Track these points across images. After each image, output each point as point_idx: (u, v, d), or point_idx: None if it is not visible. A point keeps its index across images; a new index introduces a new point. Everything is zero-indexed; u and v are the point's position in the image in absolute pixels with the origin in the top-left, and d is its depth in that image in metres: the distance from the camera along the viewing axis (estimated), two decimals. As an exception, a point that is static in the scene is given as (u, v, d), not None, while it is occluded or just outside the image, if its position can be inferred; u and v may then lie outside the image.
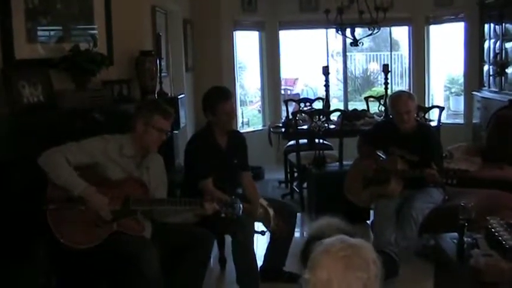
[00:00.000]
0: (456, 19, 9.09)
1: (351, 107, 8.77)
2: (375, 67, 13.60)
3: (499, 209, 4.70)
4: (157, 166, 3.92)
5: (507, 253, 3.42)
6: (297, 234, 4.98)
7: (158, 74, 5.30)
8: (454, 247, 3.69)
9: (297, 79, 13.27)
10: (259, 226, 4.44)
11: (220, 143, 4.42)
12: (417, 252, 4.85)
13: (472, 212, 3.67)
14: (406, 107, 4.84)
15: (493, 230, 3.77)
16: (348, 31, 7.41)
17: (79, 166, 3.51)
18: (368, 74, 14.02)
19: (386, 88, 7.59)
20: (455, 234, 3.79)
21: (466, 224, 3.65)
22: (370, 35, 7.44)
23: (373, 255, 2.01)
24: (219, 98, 4.30)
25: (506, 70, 7.49)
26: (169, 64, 6.67)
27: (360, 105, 8.59)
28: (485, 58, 8.25)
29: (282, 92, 10.46)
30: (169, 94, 5.83)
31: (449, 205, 4.76)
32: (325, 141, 7.22)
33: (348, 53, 10.52)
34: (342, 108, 8.73)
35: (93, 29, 4.77)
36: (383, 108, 7.58)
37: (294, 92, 12.31)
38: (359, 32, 7.48)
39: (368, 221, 5.71)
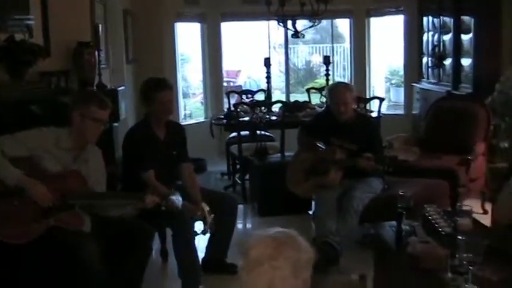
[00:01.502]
0: (396, 12, 9.24)
1: (293, 99, 8.80)
2: (317, 59, 13.68)
3: (437, 197, 4.82)
4: (96, 159, 3.84)
5: (443, 240, 3.50)
6: (239, 225, 5.00)
7: (97, 66, 5.21)
8: (392, 235, 3.76)
9: (239, 71, 13.26)
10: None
11: (159, 134, 4.38)
12: (358, 241, 4.91)
13: (410, 201, 3.74)
14: (343, 98, 4.89)
15: (430, 217, 3.85)
16: (290, 23, 7.44)
17: (15, 158, 3.42)
18: (311, 66, 14.11)
19: (327, 80, 7.65)
20: (394, 222, 3.86)
21: (404, 213, 3.72)
22: (311, 26, 7.48)
23: (306, 244, 2.03)
24: (156, 87, 4.27)
25: (444, 62, 7.65)
26: (108, 56, 6.57)
27: (302, 97, 8.63)
28: (424, 50, 8.42)
29: (225, 84, 10.45)
30: (108, 86, 5.74)
31: (388, 194, 4.81)
32: (267, 133, 7.24)
33: (291, 45, 10.57)
34: (284, 99, 8.78)
35: (28, 20, 4.64)
36: (324, 100, 7.63)
37: (236, 84, 12.29)
38: (304, 23, 7.52)
39: (310, 212, 5.75)
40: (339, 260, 4.58)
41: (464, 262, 2.99)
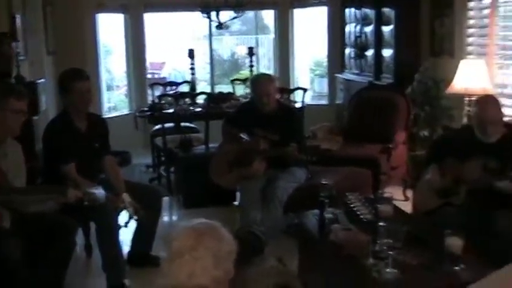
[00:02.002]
0: (319, 3, 9.33)
1: (219, 90, 8.78)
2: (243, 50, 13.69)
3: (359, 185, 4.90)
4: (15, 153, 3.74)
5: (365, 226, 3.57)
6: (164, 218, 4.96)
7: (15, 58, 5.06)
8: (316, 223, 3.81)
9: (163, 63, 13.13)
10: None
11: (80, 126, 4.29)
12: (283, 230, 4.95)
13: (332, 189, 3.80)
14: (266, 89, 4.92)
15: (351, 205, 3.93)
16: (214, 14, 7.42)
17: None
18: (236, 57, 14.11)
19: (251, 71, 7.68)
20: (318, 211, 3.91)
21: (327, 201, 3.77)
22: (236, 18, 7.48)
23: (229, 235, 2.04)
24: (73, 78, 4.18)
25: (366, 53, 7.77)
26: (27, 47, 6.38)
27: (228, 88, 8.64)
28: (347, 41, 8.52)
29: (150, 76, 10.31)
30: (27, 78, 5.58)
31: (311, 183, 4.86)
32: (191, 125, 7.20)
33: (217, 36, 10.52)
34: (209, 91, 8.76)
35: None
36: (248, 91, 7.66)
37: (161, 76, 12.16)
38: (229, 14, 7.51)
39: (235, 203, 5.76)
40: (263, 249, 4.60)
41: (385, 247, 3.07)
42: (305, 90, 7.32)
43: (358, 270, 3.13)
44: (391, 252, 3.02)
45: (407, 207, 4.78)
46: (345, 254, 3.29)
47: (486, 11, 5.73)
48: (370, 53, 7.66)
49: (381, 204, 3.70)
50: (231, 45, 13.91)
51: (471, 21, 6.00)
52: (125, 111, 9.23)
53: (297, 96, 8.00)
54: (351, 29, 8.26)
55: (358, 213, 3.81)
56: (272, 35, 10.02)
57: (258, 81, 5.02)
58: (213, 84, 9.81)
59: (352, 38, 8.17)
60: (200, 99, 7.41)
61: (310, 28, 9.85)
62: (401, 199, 5.82)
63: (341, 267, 3.33)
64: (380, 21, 7.32)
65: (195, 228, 1.99)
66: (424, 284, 2.97)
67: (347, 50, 8.54)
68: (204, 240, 1.94)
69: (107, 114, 8.34)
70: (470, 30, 5.98)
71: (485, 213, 3.76)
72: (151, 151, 7.46)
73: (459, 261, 3.05)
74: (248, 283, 2.14)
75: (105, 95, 9.27)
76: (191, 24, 9.71)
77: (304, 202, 4.44)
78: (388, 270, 3.00)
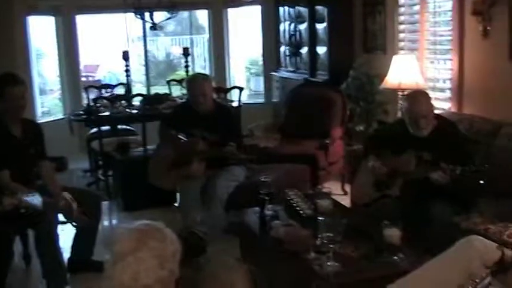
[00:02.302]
0: (253, 2, 9.35)
1: (155, 92, 8.69)
2: (178, 51, 13.62)
3: (298, 181, 4.95)
4: None
5: (305, 222, 3.61)
6: (104, 222, 4.90)
7: None
8: (257, 220, 3.83)
9: (98, 65, 12.94)
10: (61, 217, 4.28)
11: (14, 132, 4.18)
12: (224, 229, 4.96)
13: (272, 186, 3.83)
14: (201, 89, 4.91)
15: (291, 201, 3.97)
16: (147, 15, 7.36)
17: None
18: (171, 58, 14.02)
19: (187, 71, 7.65)
20: (258, 208, 3.93)
21: (267, 198, 3.81)
22: (170, 18, 7.44)
23: (172, 235, 2.03)
24: (6, 83, 4.07)
25: (301, 51, 7.86)
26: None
27: (164, 89, 8.56)
28: (282, 40, 8.59)
29: (84, 78, 10.14)
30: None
31: (251, 181, 4.89)
32: (128, 127, 7.12)
33: (151, 37, 10.43)
34: (145, 93, 8.67)
35: None
36: (185, 91, 7.63)
37: (96, 79, 11.98)
38: (163, 15, 7.46)
39: (175, 204, 5.74)
40: (206, 249, 4.59)
41: (326, 241, 3.11)
42: (241, 89, 7.33)
43: (300, 265, 3.16)
44: (332, 246, 3.06)
45: (346, 201, 4.88)
46: (287, 250, 3.31)
47: (416, 7, 5.86)
48: (304, 50, 7.74)
49: (320, 199, 3.76)
50: (166, 46, 13.82)
51: (402, 18, 6.12)
52: (60, 116, 9.04)
53: (234, 95, 8.02)
54: (285, 27, 8.33)
55: (298, 208, 3.86)
56: (207, 35, 10.00)
57: (193, 81, 5.01)
58: (148, 85, 9.71)
59: (287, 36, 8.24)
60: (136, 101, 7.33)
61: (245, 27, 9.88)
62: (340, 193, 5.92)
63: (283, 262, 3.35)
64: (314, 19, 7.41)
65: (138, 230, 1.98)
66: (364, 275, 3.02)
67: (282, 48, 8.61)
68: (147, 241, 1.93)
69: (40, 119, 8.13)
70: (402, 26, 6.11)
71: (420, 204, 3.86)
72: (88, 155, 7.33)
73: (398, 251, 3.13)
74: (209, 280, 2.13)
75: (39, 100, 9.05)
76: (125, 26, 9.59)
77: (244, 200, 4.47)
78: (329, 263, 3.05)
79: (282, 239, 3.39)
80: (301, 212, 3.81)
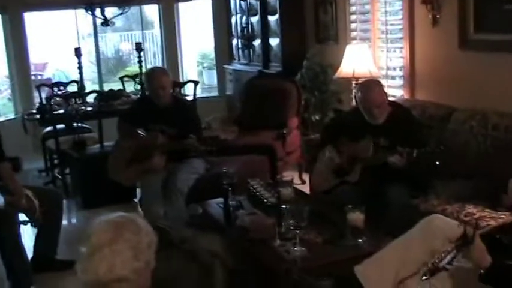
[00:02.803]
0: (203, -4, 9.38)
1: (106, 88, 8.63)
2: (127, 47, 13.51)
3: (257, 172, 5.00)
4: None
5: (269, 210, 3.67)
6: (64, 221, 4.86)
7: None
8: (221, 211, 3.88)
9: (46, 63, 12.74)
10: (23, 217, 4.24)
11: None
12: (187, 222, 4.99)
13: (234, 177, 3.87)
14: (160, 83, 4.91)
15: (254, 190, 4.02)
16: (98, 11, 7.31)
17: None
18: (120, 54, 13.91)
19: (140, 66, 7.61)
20: (221, 199, 3.98)
21: (230, 189, 3.85)
22: (121, 14, 7.39)
23: (147, 227, 2.06)
24: None
25: (254, 43, 7.91)
26: None
27: (115, 86, 8.49)
28: (234, 32, 8.62)
29: (33, 77, 9.98)
30: None
31: (212, 173, 4.93)
32: (83, 125, 7.07)
33: (100, 34, 10.31)
34: (97, 90, 8.59)
35: None
36: (139, 87, 7.61)
37: (45, 77, 11.78)
38: (113, 10, 7.40)
39: (135, 199, 5.74)
40: (173, 242, 4.59)
41: (291, 228, 3.18)
42: (196, 83, 7.35)
43: (267, 252, 3.22)
44: (297, 231, 3.14)
45: (304, 190, 4.95)
46: (253, 238, 3.37)
47: (367, -2, 5.97)
48: (257, 42, 7.80)
49: (282, 188, 3.83)
50: (114, 43, 13.69)
51: (353, 8, 6.22)
52: (11, 116, 8.90)
53: (188, 89, 8.02)
54: (237, 20, 8.36)
55: (261, 197, 3.92)
56: (155, 30, 9.95)
57: (152, 75, 5.00)
58: (101, 82, 9.64)
59: (239, 28, 8.27)
60: (90, 98, 7.27)
61: (196, 21, 9.88)
62: (298, 183, 6.00)
63: (250, 251, 3.41)
64: (265, 11, 7.47)
65: (113, 222, 1.99)
66: (331, 258, 3.10)
67: (234, 41, 8.65)
68: (122, 233, 1.95)
69: (-9, 120, 8.01)
70: (353, 17, 6.21)
71: (379, 188, 3.97)
72: (42, 155, 7.25)
73: (361, 234, 3.22)
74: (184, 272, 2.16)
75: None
76: (75, 23, 9.46)
77: (206, 192, 4.50)
78: (296, 248, 3.12)
79: (247, 228, 3.45)
80: (264, 200, 3.87)
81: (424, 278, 2.24)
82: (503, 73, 4.41)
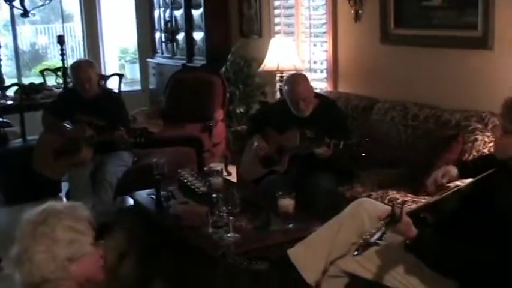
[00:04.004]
0: (125, -11, 9.29)
1: (25, 82, 8.41)
2: (44, 40, 13.17)
3: (184, 164, 5.04)
4: None
5: (201, 199, 3.74)
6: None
7: None
8: (152, 202, 3.91)
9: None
10: None
11: None
12: (115, 214, 4.99)
13: (165, 167, 3.91)
14: (87, 75, 4.87)
15: (185, 180, 4.08)
16: (17, 2, 7.14)
17: None
18: (37, 47, 13.54)
19: (63, 59, 7.50)
20: (151, 190, 4.01)
21: (161, 178, 3.89)
22: (42, 5, 7.25)
23: (86, 214, 2.08)
24: None
25: (177, 37, 7.92)
26: None
27: (34, 80, 8.29)
28: (157, 26, 8.60)
29: None
30: None
31: (140, 165, 4.96)
32: (4, 119, 6.90)
33: (17, 26, 10.04)
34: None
35: None
36: (61, 80, 7.49)
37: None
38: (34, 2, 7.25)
39: (61, 194, 5.67)
40: (103, 234, 4.58)
41: (224, 214, 3.26)
42: (121, 76, 7.32)
43: (201, 240, 3.28)
44: (230, 218, 3.22)
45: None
46: (186, 226, 3.43)
47: (291, -8, 6.09)
48: (181, 36, 7.81)
49: (212, 177, 3.90)
50: (30, 36, 13.31)
51: (277, 2, 6.33)
52: None
53: (112, 83, 7.95)
54: (160, 13, 8.34)
55: (192, 187, 3.97)
56: (75, 23, 9.79)
57: (78, 68, 4.95)
58: (19, 76, 9.41)
59: (163, 22, 8.26)
60: (9, 92, 7.10)
61: (118, 14, 9.78)
62: (225, 174, 6.07)
63: (184, 239, 3.46)
64: (189, 4, 7.49)
65: (31, 221, 1.99)
66: (263, 243, 3.19)
67: (157, 35, 8.62)
68: (36, 236, 1.95)
69: None
70: (277, 11, 6.33)
71: (307, 177, 4.09)
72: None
73: (291, 219, 3.33)
74: None
75: None
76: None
77: (135, 183, 4.52)
78: (229, 235, 3.20)
79: (180, 216, 3.50)
80: (196, 190, 3.93)
81: (356, 253, 2.35)
82: (421, 66, 4.63)
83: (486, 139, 3.74)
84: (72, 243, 1.98)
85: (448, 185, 2.60)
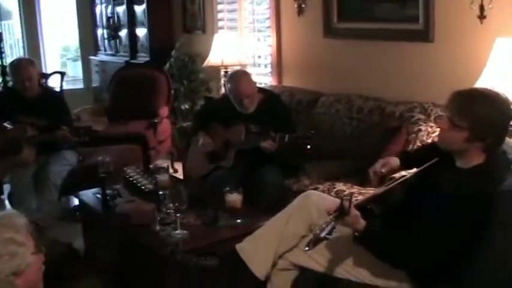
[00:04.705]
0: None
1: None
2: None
3: (130, 161, 4.98)
4: None
5: (147, 196, 3.69)
6: None
7: None
8: (98, 201, 3.85)
9: None
10: None
11: None
12: (61, 215, 4.90)
13: (110, 166, 3.85)
14: (27, 74, 4.77)
15: (131, 178, 4.02)
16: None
17: None
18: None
19: (1, 58, 7.32)
20: (97, 189, 3.95)
21: (107, 177, 3.83)
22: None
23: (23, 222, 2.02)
24: None
25: (120, 33, 7.82)
26: None
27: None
28: (99, 23, 8.47)
29: None
30: None
31: (85, 164, 4.88)
32: None
33: None
34: None
35: None
36: (1, 79, 7.31)
37: None
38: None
39: (2, 196, 5.52)
40: (46, 235, 4.49)
41: (171, 211, 3.24)
42: (63, 74, 7.17)
43: (148, 238, 3.25)
44: (178, 215, 3.19)
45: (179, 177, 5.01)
46: (133, 225, 3.38)
47: (234, -12, 6.08)
48: (124, 33, 7.72)
49: (158, 174, 3.86)
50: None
51: (220, -2, 6.32)
52: None
53: (53, 81, 7.78)
54: (101, 9, 8.21)
55: (139, 185, 3.92)
56: (13, 21, 9.55)
57: (18, 66, 4.83)
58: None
59: (105, 18, 8.13)
60: None
61: (59, 11, 9.58)
62: (171, 171, 6.02)
63: (131, 238, 3.42)
64: (132, 0, 7.40)
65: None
66: (211, 239, 3.18)
67: (100, 32, 8.49)
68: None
69: None
70: (220, 6, 6.31)
71: (254, 171, 4.10)
72: None
73: (239, 215, 3.32)
74: None
75: None
76: None
77: (80, 183, 4.44)
78: (177, 231, 3.17)
79: (127, 214, 3.45)
80: (142, 187, 3.88)
81: (307, 248, 2.36)
82: (365, 59, 4.69)
83: (429, 129, 3.80)
84: (14, 256, 1.93)
85: (394, 175, 2.63)
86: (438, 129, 2.78)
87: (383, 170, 2.75)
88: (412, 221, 2.47)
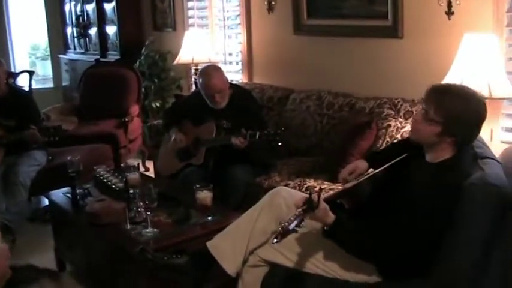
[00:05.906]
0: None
1: None
2: None
3: (101, 160, 4.95)
4: None
5: (117, 195, 3.66)
6: None
7: None
8: (67, 200, 3.81)
9: None
10: None
11: None
12: (30, 216, 4.85)
13: (79, 165, 3.81)
14: None
15: (101, 177, 3.99)
16: None
17: None
18: None
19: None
20: (66, 188, 3.91)
21: (76, 176, 3.79)
22: None
23: None
24: None
25: (89, 31, 7.76)
26: None
27: None
28: (68, 21, 8.38)
29: None
30: None
31: (55, 164, 4.83)
32: None
33: None
34: None
35: None
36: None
37: None
38: None
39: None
40: (15, 239, 4.43)
41: (142, 210, 3.22)
42: (32, 73, 7.09)
43: (119, 236, 3.23)
44: (148, 213, 3.17)
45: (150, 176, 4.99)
46: (104, 224, 3.35)
47: (204, -15, 6.07)
48: (93, 31, 7.66)
49: (128, 173, 3.83)
50: None
51: (190, -5, 6.30)
52: None
53: (22, 80, 7.70)
54: (71, 7, 8.13)
55: (108, 183, 3.89)
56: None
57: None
58: None
59: (74, 16, 8.06)
60: None
61: (28, 9, 9.46)
62: (142, 170, 5.99)
63: (101, 237, 3.40)
64: (101, -2, 7.36)
65: None
66: (182, 237, 3.16)
67: (69, 30, 8.41)
68: None
69: None
70: (190, 3, 6.29)
71: (224, 168, 4.09)
72: None
73: (210, 212, 3.32)
74: None
75: None
76: None
77: (50, 183, 4.39)
78: (148, 230, 3.16)
79: (97, 214, 3.42)
80: (112, 186, 3.85)
81: (275, 241, 2.36)
82: (335, 56, 4.71)
83: (399, 125, 3.83)
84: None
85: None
86: (411, 121, 2.80)
87: (352, 176, 2.78)
88: (381, 215, 2.48)
